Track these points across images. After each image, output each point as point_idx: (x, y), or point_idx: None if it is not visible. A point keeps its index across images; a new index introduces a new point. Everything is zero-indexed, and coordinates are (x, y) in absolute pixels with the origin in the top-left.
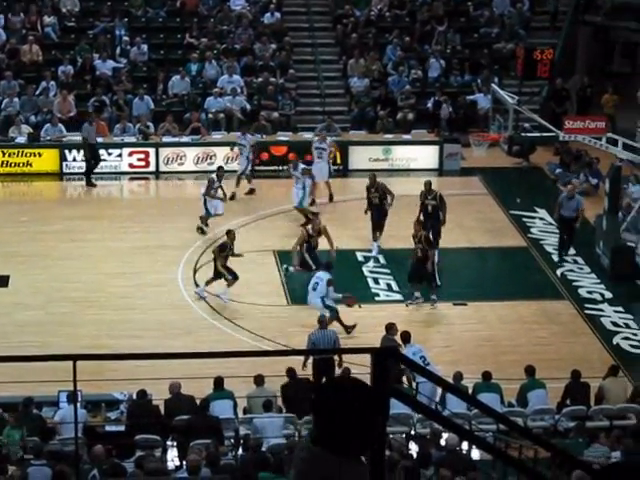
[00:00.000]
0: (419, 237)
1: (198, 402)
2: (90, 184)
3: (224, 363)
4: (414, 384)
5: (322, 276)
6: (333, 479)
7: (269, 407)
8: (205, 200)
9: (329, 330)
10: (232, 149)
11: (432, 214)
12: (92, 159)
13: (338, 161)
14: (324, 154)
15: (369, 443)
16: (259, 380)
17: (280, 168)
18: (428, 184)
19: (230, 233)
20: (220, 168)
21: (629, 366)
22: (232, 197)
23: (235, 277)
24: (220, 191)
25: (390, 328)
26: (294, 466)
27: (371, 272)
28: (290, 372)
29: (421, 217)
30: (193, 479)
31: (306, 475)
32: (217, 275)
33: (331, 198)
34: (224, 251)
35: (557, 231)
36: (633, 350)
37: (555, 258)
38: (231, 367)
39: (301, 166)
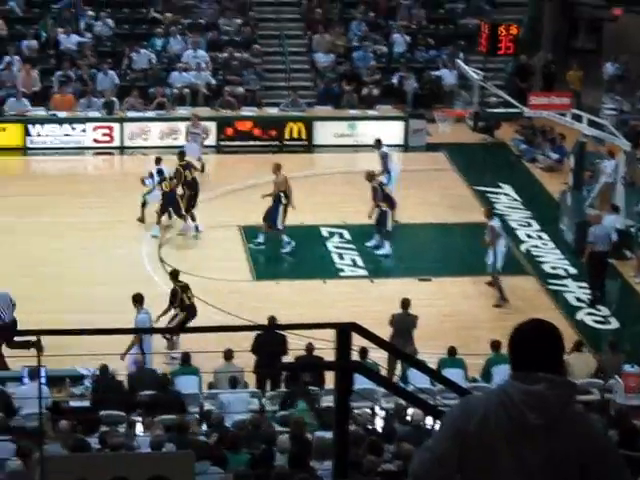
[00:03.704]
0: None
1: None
2: None
3: (190, 338)
4: None
5: None
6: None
7: (235, 383)
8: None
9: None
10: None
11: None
12: None
13: (303, 136)
14: (197, 138)
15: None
16: (228, 355)
17: (245, 143)
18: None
19: None
20: None
21: (593, 341)
22: None
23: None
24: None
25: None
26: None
27: (336, 248)
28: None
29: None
30: (156, 454)
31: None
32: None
33: (203, 168)
34: None
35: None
36: (597, 325)
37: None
38: (198, 342)
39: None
